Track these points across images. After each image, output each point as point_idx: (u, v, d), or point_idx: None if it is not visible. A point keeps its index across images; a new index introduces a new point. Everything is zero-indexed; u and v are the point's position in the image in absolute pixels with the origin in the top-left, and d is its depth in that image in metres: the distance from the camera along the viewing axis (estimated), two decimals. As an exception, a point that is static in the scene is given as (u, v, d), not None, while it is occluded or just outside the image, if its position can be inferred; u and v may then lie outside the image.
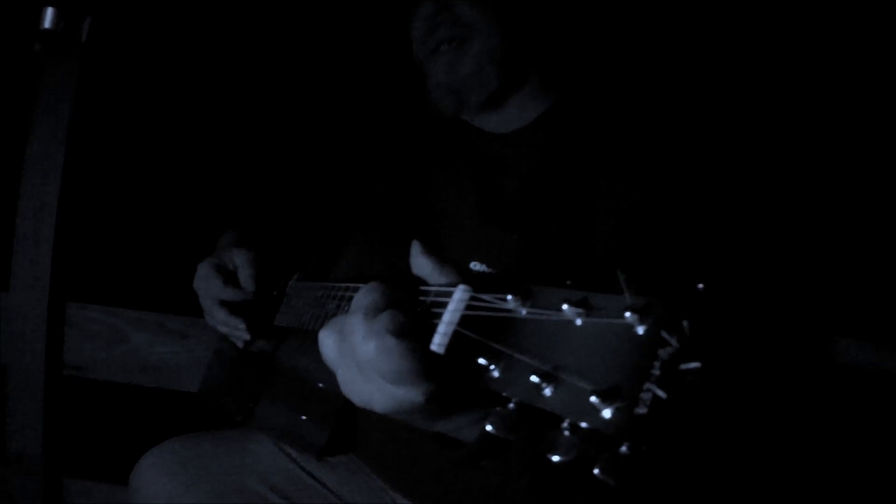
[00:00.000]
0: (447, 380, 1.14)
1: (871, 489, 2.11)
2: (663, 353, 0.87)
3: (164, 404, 2.78)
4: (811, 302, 2.18)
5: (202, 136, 2.84)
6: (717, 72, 2.41)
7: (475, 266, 1.66)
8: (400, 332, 1.11)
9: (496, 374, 1.03)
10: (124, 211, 2.87)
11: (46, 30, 2.31)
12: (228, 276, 1.94)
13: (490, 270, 1.64)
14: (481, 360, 1.04)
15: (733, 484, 1.58)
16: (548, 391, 0.96)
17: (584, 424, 0.90)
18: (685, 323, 0.88)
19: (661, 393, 0.86)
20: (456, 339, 1.11)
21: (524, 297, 1.03)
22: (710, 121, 1.80)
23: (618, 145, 1.68)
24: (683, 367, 0.87)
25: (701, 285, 0.92)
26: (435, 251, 1.23)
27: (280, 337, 1.94)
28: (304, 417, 1.82)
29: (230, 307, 1.93)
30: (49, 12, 2.30)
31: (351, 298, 1.47)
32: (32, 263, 2.74)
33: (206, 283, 1.94)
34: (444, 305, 1.14)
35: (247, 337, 1.93)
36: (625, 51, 2.40)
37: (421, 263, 1.21)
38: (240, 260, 1.94)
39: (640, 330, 0.89)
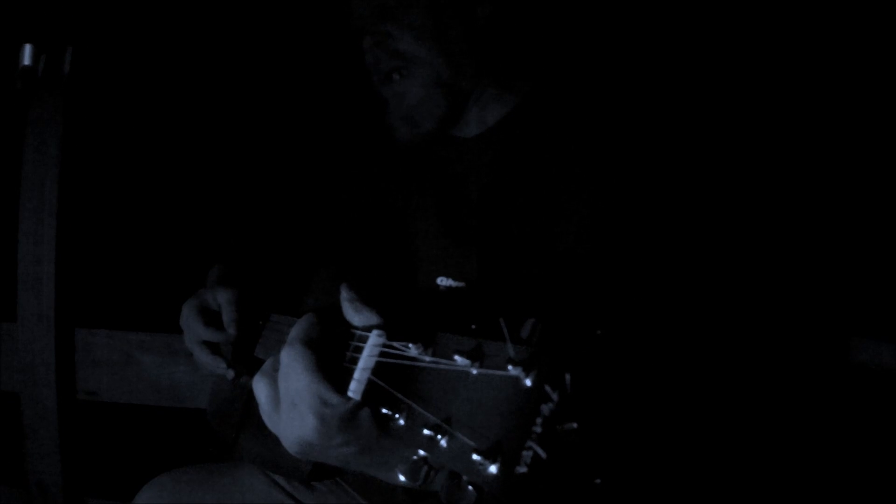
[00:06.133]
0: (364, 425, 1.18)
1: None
2: (545, 408, 0.86)
3: (177, 423, 2.79)
4: (820, 301, 2.13)
5: (193, 155, 2.83)
6: (683, 72, 2.35)
7: (442, 281, 1.67)
8: (307, 342, 1.20)
9: (401, 422, 1.04)
10: (123, 236, 2.87)
11: (27, 67, 2.30)
12: (210, 317, 1.93)
13: (458, 284, 1.66)
14: (385, 410, 1.06)
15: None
16: (443, 443, 0.95)
17: (471, 479, 0.90)
18: (567, 376, 0.87)
19: (541, 452, 0.85)
20: (370, 385, 1.12)
21: (426, 344, 1.03)
22: (675, 122, 1.77)
23: (579, 147, 1.67)
24: (560, 427, 0.85)
25: (599, 331, 0.92)
26: (360, 291, 1.24)
27: None
28: None
29: (212, 347, 1.93)
30: (27, 49, 2.29)
31: None
32: (37, 294, 2.76)
33: (189, 325, 1.95)
34: (361, 351, 1.16)
35: (230, 375, 1.93)
36: (588, 50, 2.36)
37: (345, 306, 1.23)
38: (223, 300, 1.93)
39: (528, 382, 0.88)
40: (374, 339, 1.14)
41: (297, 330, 1.23)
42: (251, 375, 1.91)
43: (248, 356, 1.93)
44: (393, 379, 1.08)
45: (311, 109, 2.76)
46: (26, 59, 2.29)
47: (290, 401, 1.21)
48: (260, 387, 1.28)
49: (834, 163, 2.29)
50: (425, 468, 1.00)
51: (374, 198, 1.99)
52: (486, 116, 1.83)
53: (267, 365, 1.29)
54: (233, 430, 1.98)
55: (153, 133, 2.86)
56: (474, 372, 0.95)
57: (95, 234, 2.86)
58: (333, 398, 1.16)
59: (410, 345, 1.04)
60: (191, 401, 2.77)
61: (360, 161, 2.08)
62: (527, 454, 0.86)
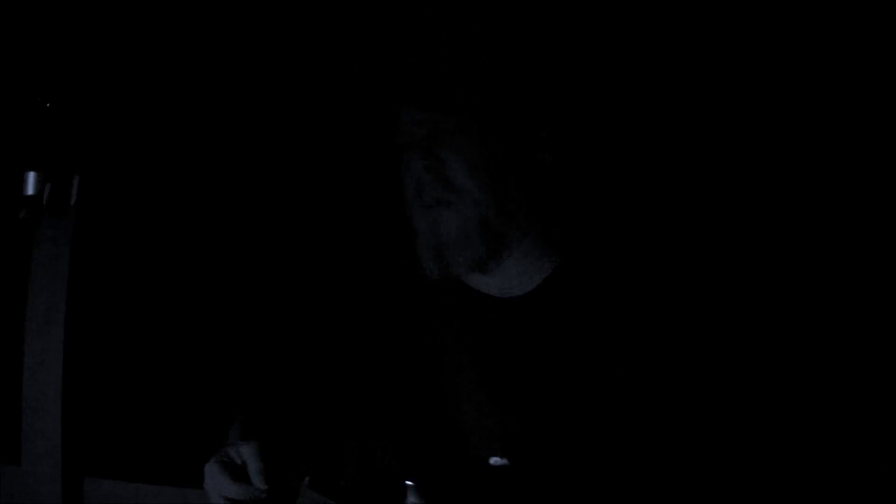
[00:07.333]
0: None
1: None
2: None
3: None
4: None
5: (215, 291, 2.72)
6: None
7: (495, 461, 1.61)
8: None
9: None
10: (135, 380, 2.73)
11: (31, 196, 2.21)
12: (237, 473, 1.77)
13: (507, 462, 1.61)
14: None
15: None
16: None
17: None
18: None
19: None
20: None
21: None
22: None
23: (625, 313, 1.64)
24: None
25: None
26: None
27: None
28: None
29: None
30: (31, 177, 2.21)
31: None
32: (42, 435, 2.64)
33: (215, 483, 1.78)
34: None
35: None
36: (636, 210, 2.26)
37: None
38: (246, 453, 1.77)
39: None
40: None
41: None
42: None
43: None
44: None
45: (335, 237, 2.62)
46: (30, 189, 2.20)
47: None
48: None
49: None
50: None
51: (409, 353, 1.87)
52: (526, 277, 1.74)
53: None
54: None
55: (167, 264, 2.73)
56: None
57: (103, 377, 2.73)
58: None
59: None
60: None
61: (391, 308, 1.93)
62: None
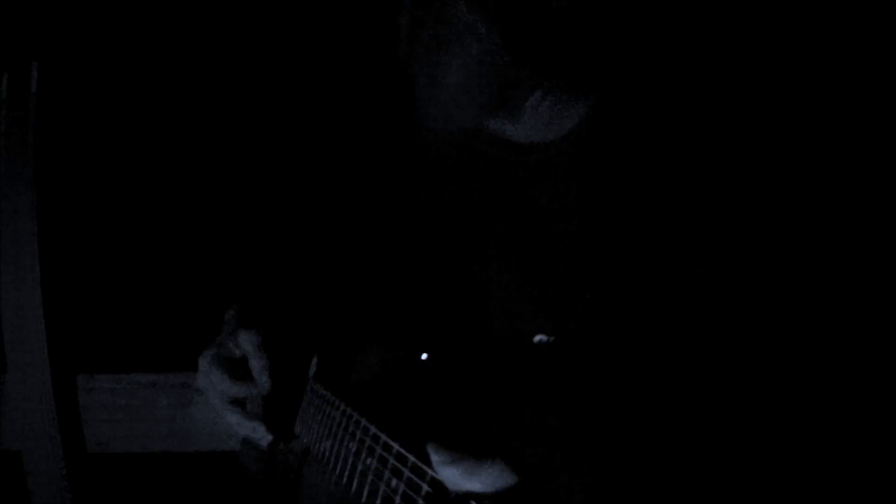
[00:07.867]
0: None
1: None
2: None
3: (200, 468, 2.58)
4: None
5: (200, 164, 2.58)
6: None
7: (539, 339, 1.40)
8: None
9: None
10: (119, 266, 2.61)
11: None
12: (237, 369, 1.68)
13: (551, 339, 1.39)
14: None
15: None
16: None
17: None
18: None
19: None
20: None
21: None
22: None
23: (686, 162, 1.39)
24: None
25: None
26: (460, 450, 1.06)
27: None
28: None
29: (243, 405, 1.70)
30: None
31: (382, 458, 1.26)
32: (24, 338, 2.57)
33: (211, 380, 1.69)
34: None
35: (266, 441, 1.71)
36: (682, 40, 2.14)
37: (449, 476, 1.04)
38: (247, 344, 1.67)
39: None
40: None
41: None
42: (289, 446, 1.71)
43: (284, 424, 1.72)
44: None
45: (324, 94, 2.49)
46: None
47: None
48: None
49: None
50: None
51: (422, 226, 1.71)
52: (556, 121, 1.52)
53: None
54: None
55: (145, 143, 2.59)
56: None
57: (87, 265, 2.63)
58: None
59: None
60: (212, 443, 2.58)
61: (393, 172, 1.80)
62: None
